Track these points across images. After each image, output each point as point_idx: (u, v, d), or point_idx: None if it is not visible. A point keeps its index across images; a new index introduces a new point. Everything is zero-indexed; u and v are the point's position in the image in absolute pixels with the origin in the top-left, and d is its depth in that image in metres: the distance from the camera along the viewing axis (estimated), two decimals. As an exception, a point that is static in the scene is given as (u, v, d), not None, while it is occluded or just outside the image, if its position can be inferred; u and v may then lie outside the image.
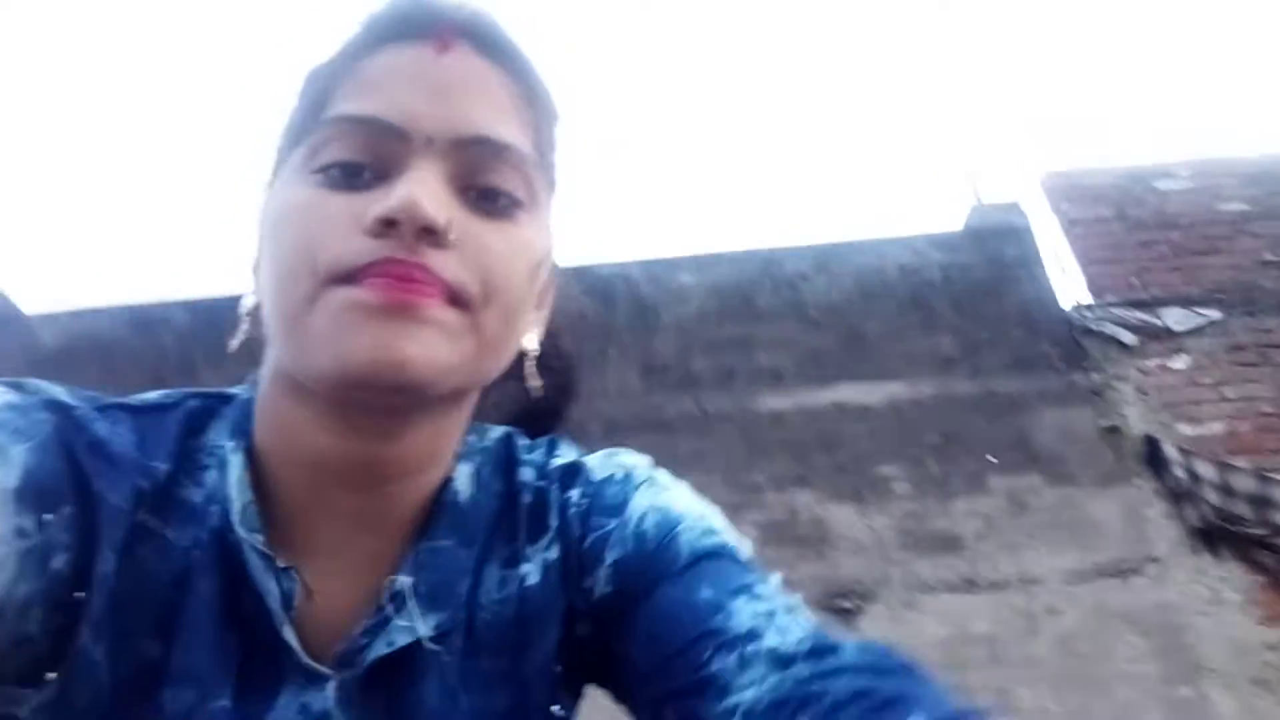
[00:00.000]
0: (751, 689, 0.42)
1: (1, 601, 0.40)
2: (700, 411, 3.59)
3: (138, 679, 0.45)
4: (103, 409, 0.49)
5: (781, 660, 0.43)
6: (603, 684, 0.54)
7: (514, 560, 0.53)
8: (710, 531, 0.51)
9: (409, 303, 0.42)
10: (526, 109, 0.49)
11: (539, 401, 0.59)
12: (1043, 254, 3.80)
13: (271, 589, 0.47)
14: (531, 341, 0.55)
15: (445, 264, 0.44)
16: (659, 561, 0.50)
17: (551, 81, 0.52)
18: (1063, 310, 3.68)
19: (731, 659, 0.43)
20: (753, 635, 0.44)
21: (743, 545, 0.52)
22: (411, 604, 0.49)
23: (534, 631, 0.52)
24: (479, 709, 0.50)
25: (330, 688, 0.47)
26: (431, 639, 0.49)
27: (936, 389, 3.50)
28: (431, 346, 0.43)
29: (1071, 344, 3.57)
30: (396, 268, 0.42)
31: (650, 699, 0.48)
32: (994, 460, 3.34)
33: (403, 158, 0.45)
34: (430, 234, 0.43)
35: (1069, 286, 3.76)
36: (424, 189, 0.43)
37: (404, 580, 0.49)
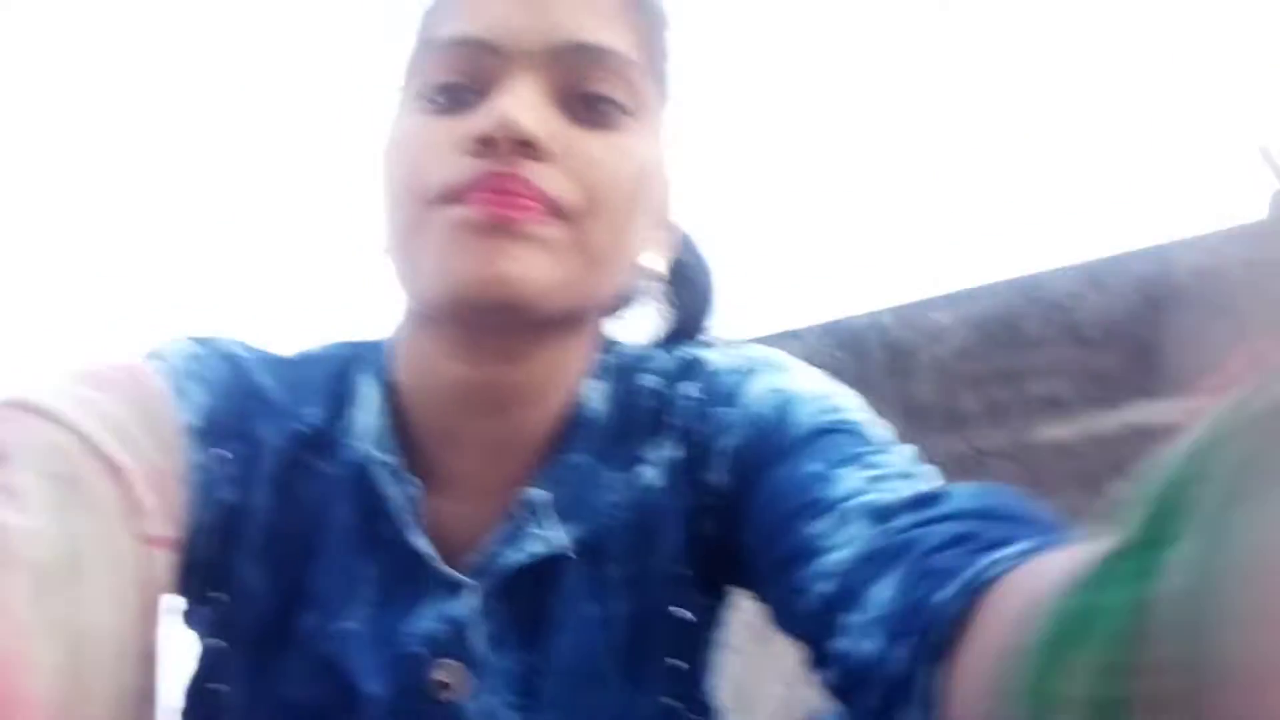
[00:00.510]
0: (847, 546, 0.40)
1: (189, 527, 0.45)
2: (971, 450, 3.39)
3: (288, 603, 0.50)
4: (267, 361, 0.54)
5: (880, 513, 0.40)
6: (736, 582, 0.53)
7: (632, 462, 0.52)
8: (832, 409, 0.49)
9: (509, 217, 0.43)
10: (629, 12, 0.48)
11: (678, 318, 0.61)
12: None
13: (396, 496, 0.50)
14: (657, 261, 0.55)
15: (544, 176, 0.44)
16: (774, 441, 0.48)
17: None
18: None
19: (829, 520, 0.41)
20: (854, 495, 0.42)
21: (873, 423, 0.49)
22: (547, 516, 0.50)
23: (656, 534, 0.51)
24: (603, 616, 0.50)
25: (469, 595, 0.49)
26: (571, 550, 0.50)
27: (1256, 400, 3.03)
28: (533, 264, 0.43)
29: None
30: (495, 182, 0.43)
31: (760, 577, 0.46)
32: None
33: (500, 73, 0.45)
34: (528, 147, 0.43)
35: None
36: (519, 102, 0.43)
37: (538, 493, 0.50)
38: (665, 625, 0.51)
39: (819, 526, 0.42)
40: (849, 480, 0.43)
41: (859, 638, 0.37)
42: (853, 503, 0.41)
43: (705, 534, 0.52)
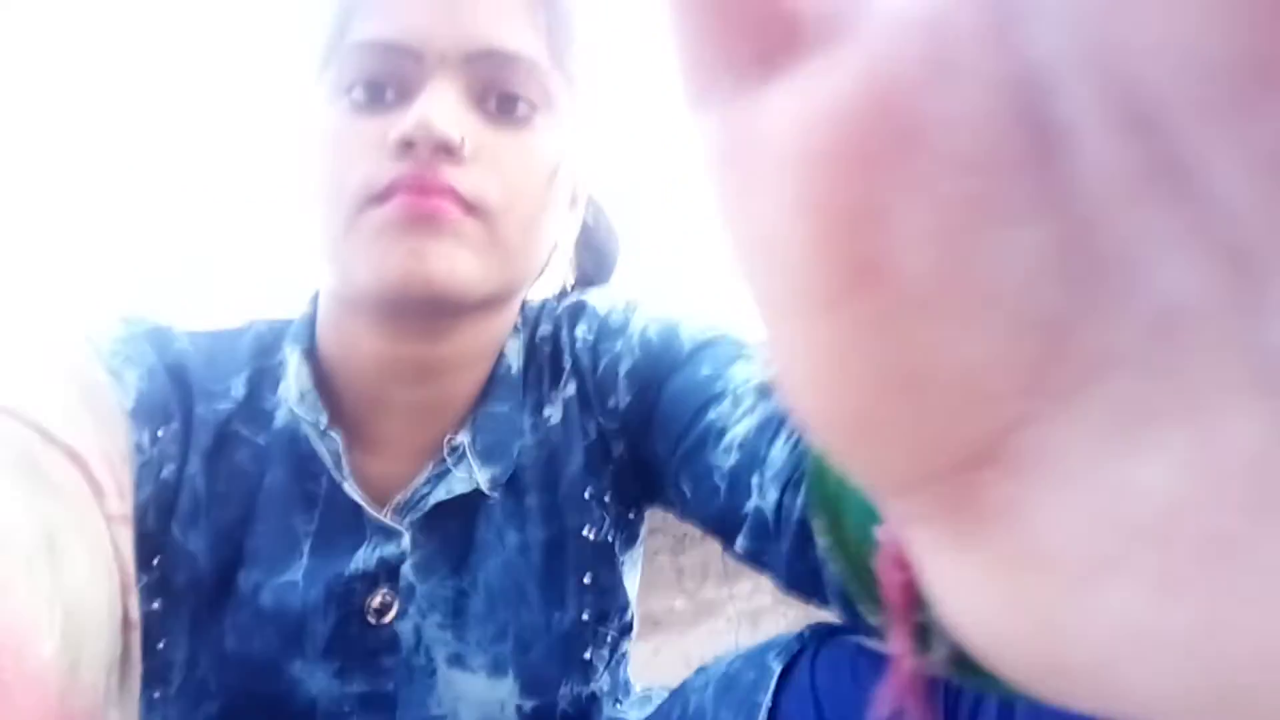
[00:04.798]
0: (745, 420, 0.44)
1: (134, 504, 0.45)
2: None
3: (227, 566, 0.52)
4: (191, 338, 0.54)
5: (769, 388, 0.45)
6: (651, 497, 0.58)
7: (540, 406, 0.56)
8: (710, 327, 0.53)
9: (429, 214, 0.45)
10: (537, 8, 0.49)
11: (583, 274, 0.65)
12: None
13: (324, 453, 0.52)
14: (566, 238, 0.58)
15: (462, 178, 0.46)
16: (665, 358, 0.52)
17: None
18: None
19: (726, 405, 0.46)
20: (744, 382, 0.46)
21: (748, 338, 0.52)
22: (469, 459, 0.53)
23: (560, 464, 0.55)
24: (522, 542, 0.54)
25: (404, 539, 0.52)
26: (487, 488, 0.53)
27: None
28: (455, 260, 0.46)
29: None
30: (416, 183, 0.45)
31: (673, 477, 0.50)
32: None
33: (420, 76, 0.46)
34: (447, 150, 0.45)
35: None
36: (438, 107, 0.45)
37: (462, 438, 0.54)
38: (578, 546, 0.55)
39: (718, 411, 0.46)
40: (739, 372, 0.47)
41: (765, 493, 0.42)
42: (744, 388, 0.46)
43: (615, 456, 0.56)
